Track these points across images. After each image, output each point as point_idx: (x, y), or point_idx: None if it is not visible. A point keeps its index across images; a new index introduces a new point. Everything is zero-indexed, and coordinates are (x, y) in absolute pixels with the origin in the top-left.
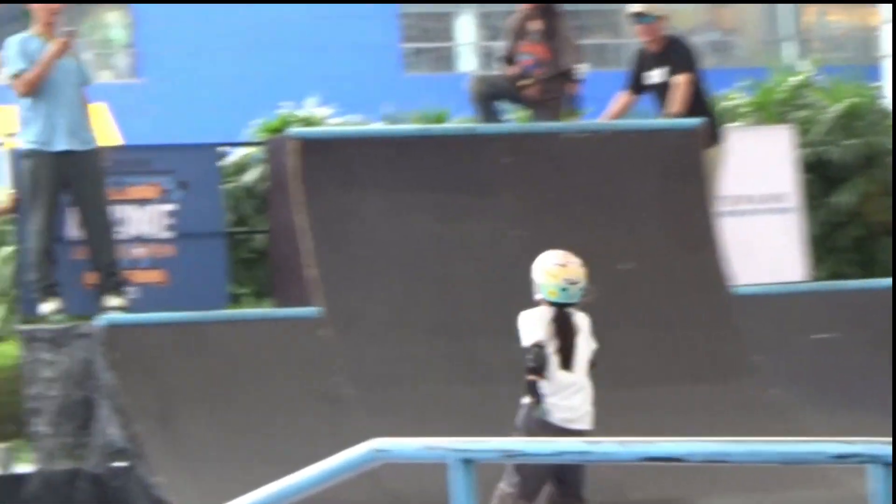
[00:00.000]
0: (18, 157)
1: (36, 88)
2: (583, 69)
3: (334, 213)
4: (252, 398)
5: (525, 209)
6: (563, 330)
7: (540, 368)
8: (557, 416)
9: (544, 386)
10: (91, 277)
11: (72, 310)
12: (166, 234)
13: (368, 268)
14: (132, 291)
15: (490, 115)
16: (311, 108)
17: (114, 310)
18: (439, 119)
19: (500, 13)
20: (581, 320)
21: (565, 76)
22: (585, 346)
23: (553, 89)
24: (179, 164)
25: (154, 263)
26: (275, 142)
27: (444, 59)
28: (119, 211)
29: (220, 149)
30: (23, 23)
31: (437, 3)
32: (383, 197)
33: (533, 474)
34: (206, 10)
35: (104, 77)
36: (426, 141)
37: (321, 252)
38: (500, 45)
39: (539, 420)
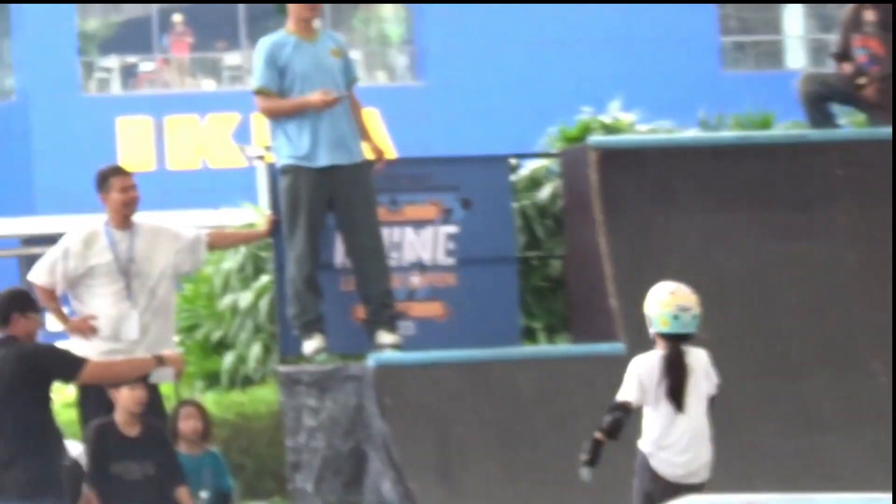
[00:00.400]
0: (275, 173)
1: (276, 117)
2: None
3: (641, 233)
4: (549, 448)
5: (862, 228)
6: (675, 368)
7: (611, 433)
8: (668, 472)
9: (654, 438)
10: (360, 311)
11: (338, 348)
12: (447, 261)
13: None
14: (408, 327)
15: (822, 119)
16: (615, 112)
17: (387, 348)
18: (763, 124)
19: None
20: (698, 357)
21: None
22: (703, 384)
23: (893, 89)
24: (463, 180)
25: (433, 294)
26: (573, 152)
27: (769, 54)
28: (393, 234)
29: (510, 161)
30: (278, 20)
31: None
32: (698, 215)
33: None
34: (494, 3)
35: (377, 79)
36: (748, 150)
37: (626, 279)
38: (833, 39)
39: (650, 472)
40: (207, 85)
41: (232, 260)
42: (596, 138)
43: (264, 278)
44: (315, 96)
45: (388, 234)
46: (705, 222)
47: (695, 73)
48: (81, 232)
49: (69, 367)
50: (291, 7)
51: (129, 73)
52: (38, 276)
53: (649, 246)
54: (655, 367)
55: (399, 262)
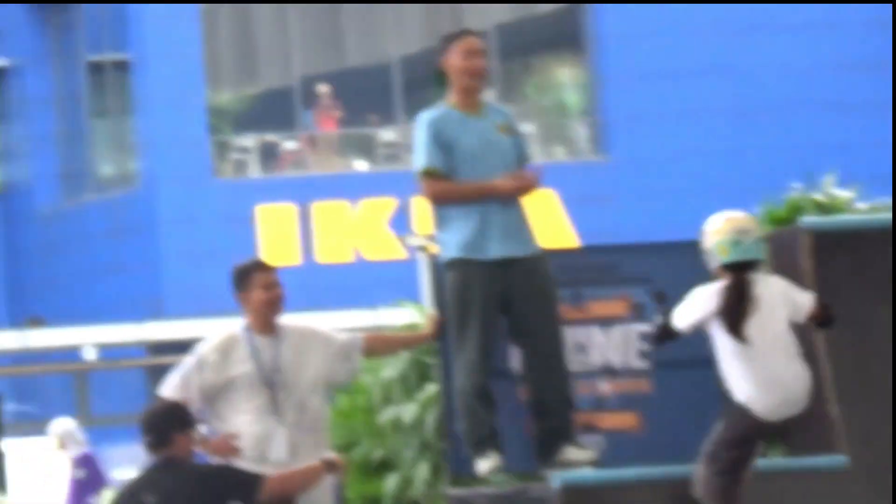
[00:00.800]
0: (440, 267)
1: (449, 204)
2: None
3: (863, 329)
4: None
5: None
6: (738, 299)
7: (661, 339)
8: (759, 408)
9: (741, 377)
10: (540, 423)
11: (516, 466)
12: (641, 364)
13: None
14: (597, 440)
15: None
16: (830, 188)
17: (574, 465)
18: None
19: None
20: (771, 284)
21: None
22: (781, 312)
23: None
24: (656, 270)
25: (625, 403)
26: (782, 236)
27: None
28: (577, 334)
29: None
30: (438, 89)
31: None
32: None
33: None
34: (688, 65)
35: (555, 154)
36: None
37: (846, 382)
38: None
39: (745, 416)
40: (359, 165)
41: (392, 367)
42: (808, 219)
43: (430, 388)
44: (506, 181)
45: (572, 335)
46: None
47: None
48: (218, 338)
49: (251, 487)
50: (454, 76)
51: (269, 154)
52: (169, 390)
53: (872, 343)
54: (715, 298)
55: (585, 367)
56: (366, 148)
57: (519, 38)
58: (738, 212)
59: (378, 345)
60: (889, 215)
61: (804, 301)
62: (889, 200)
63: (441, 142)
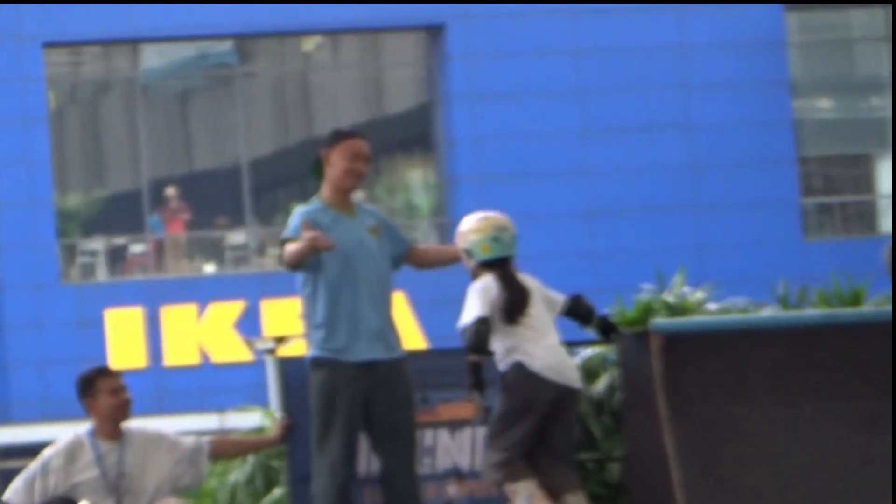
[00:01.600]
0: (300, 368)
1: (298, 265)
2: None
3: (713, 430)
4: None
5: None
6: (511, 285)
7: (480, 346)
8: (537, 365)
9: (517, 348)
10: None
11: None
12: None
13: (760, 502)
14: None
15: None
16: (680, 289)
17: None
18: (853, 300)
19: None
20: (525, 278)
21: None
22: (539, 303)
23: None
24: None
25: None
26: (633, 339)
27: (859, 217)
28: (425, 437)
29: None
30: (287, 192)
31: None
32: (779, 407)
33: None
34: (539, 167)
35: None
36: (835, 331)
37: (696, 483)
38: None
39: (523, 372)
40: (207, 268)
41: (239, 471)
42: (659, 321)
43: (277, 492)
44: (306, 241)
45: (420, 437)
46: (788, 416)
47: (772, 241)
48: (63, 443)
49: None
50: (334, 173)
51: (116, 257)
52: (13, 495)
53: (723, 444)
54: (493, 286)
55: (433, 470)
56: (214, 251)
57: (369, 139)
58: (491, 211)
59: (225, 448)
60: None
61: (556, 296)
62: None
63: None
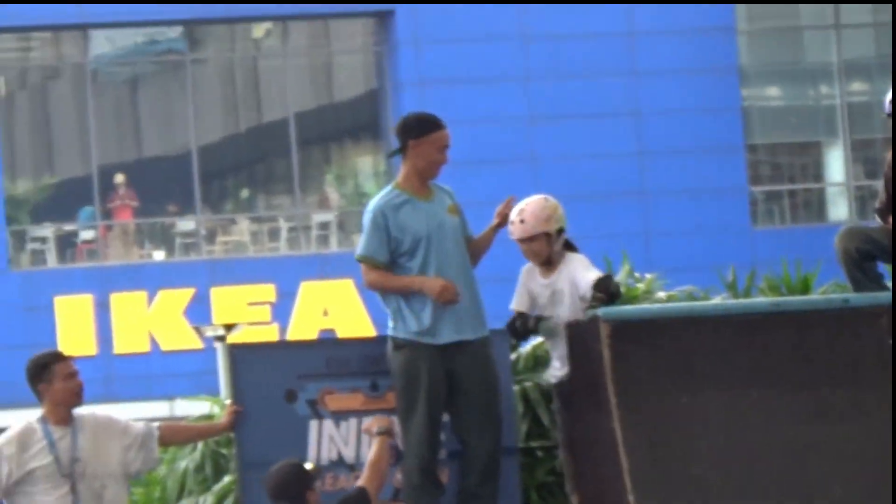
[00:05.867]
0: (252, 354)
1: (378, 291)
2: None
3: (661, 417)
4: None
5: None
6: None
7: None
8: None
9: None
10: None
11: None
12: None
13: (706, 490)
14: None
15: (867, 280)
16: (629, 276)
17: None
18: (801, 288)
19: (879, 142)
20: None
21: None
22: None
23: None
24: None
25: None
26: (580, 325)
27: (807, 205)
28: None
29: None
30: (236, 180)
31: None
32: (726, 394)
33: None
34: (491, 153)
35: (356, 243)
36: (782, 318)
37: (644, 470)
38: (877, 187)
39: None
40: (157, 255)
41: (188, 458)
42: (607, 309)
43: (226, 479)
44: (434, 286)
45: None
46: (734, 403)
47: (721, 228)
48: (14, 431)
49: None
50: (420, 162)
51: (66, 244)
52: None
53: (671, 432)
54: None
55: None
56: (163, 238)
57: (318, 127)
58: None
59: (174, 435)
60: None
61: None
62: (688, 288)
63: (387, 231)
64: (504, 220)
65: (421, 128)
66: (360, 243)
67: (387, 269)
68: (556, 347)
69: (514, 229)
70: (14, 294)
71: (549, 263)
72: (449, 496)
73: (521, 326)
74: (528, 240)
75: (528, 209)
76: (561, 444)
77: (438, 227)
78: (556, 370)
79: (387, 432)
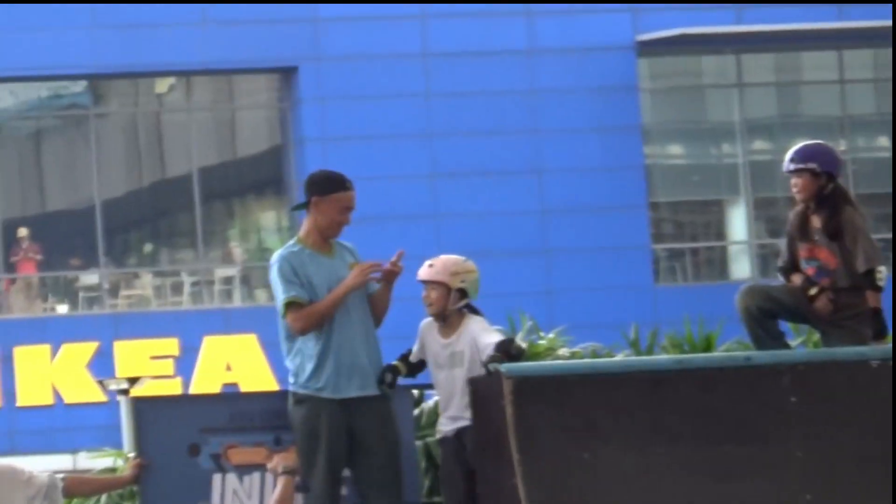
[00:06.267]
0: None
1: (318, 326)
2: (883, 274)
3: (563, 474)
4: None
5: (821, 465)
6: None
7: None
8: None
9: None
10: None
11: None
12: None
13: None
14: None
15: (769, 338)
16: (533, 332)
17: None
18: (705, 345)
19: (781, 201)
20: None
21: (862, 285)
22: None
23: (848, 304)
24: None
25: None
26: (484, 381)
27: (709, 262)
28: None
29: (412, 392)
30: (140, 234)
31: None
32: (629, 451)
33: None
34: (396, 210)
35: (258, 299)
36: (685, 375)
37: None
38: (779, 245)
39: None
40: (60, 309)
41: None
42: (510, 365)
43: None
44: (357, 276)
45: (273, 479)
46: (637, 460)
47: (624, 286)
48: None
49: None
50: (322, 221)
51: None
52: None
53: (573, 489)
54: None
55: None
56: (67, 291)
57: (221, 181)
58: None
59: (79, 487)
60: (589, 360)
61: None
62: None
63: (296, 276)
64: (391, 275)
65: (326, 186)
66: (278, 294)
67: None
68: (449, 406)
69: (421, 270)
70: None
71: (442, 319)
72: None
73: (392, 381)
74: (427, 283)
75: (442, 258)
76: (450, 501)
77: (338, 282)
78: (443, 425)
79: (291, 472)
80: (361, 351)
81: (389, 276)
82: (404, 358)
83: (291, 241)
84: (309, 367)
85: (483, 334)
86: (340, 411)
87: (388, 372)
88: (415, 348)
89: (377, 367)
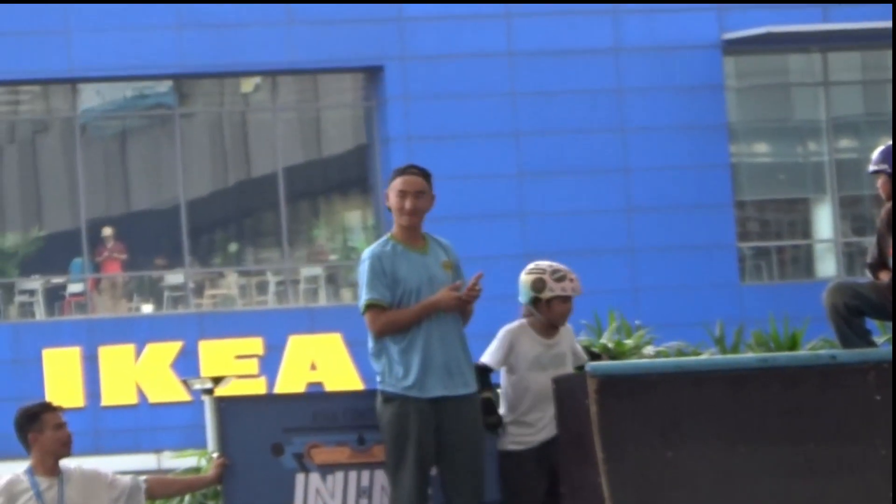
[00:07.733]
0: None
1: (395, 333)
2: None
3: (648, 472)
4: None
5: None
6: None
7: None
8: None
9: None
10: None
11: None
12: None
13: None
14: None
15: (855, 336)
16: (619, 331)
17: None
18: (790, 343)
19: (867, 199)
20: None
21: None
22: None
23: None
24: None
25: None
26: (568, 381)
27: (795, 261)
28: (361, 478)
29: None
30: (224, 234)
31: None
32: (713, 450)
33: None
34: (479, 208)
35: (343, 298)
36: (771, 374)
37: None
38: (868, 244)
39: None
40: (145, 308)
41: None
42: (594, 364)
43: None
44: (448, 298)
45: (357, 478)
46: (722, 459)
47: (709, 284)
48: (2, 482)
49: None
50: (392, 212)
51: (54, 297)
52: None
53: (657, 487)
54: None
55: None
56: (152, 291)
57: (307, 181)
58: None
59: (162, 487)
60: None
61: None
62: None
63: (384, 274)
64: (471, 298)
65: (391, 177)
66: (361, 293)
67: (390, 310)
68: (535, 409)
69: (576, 286)
70: (2, 347)
71: (554, 327)
72: None
73: (498, 420)
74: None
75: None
76: None
77: (429, 280)
78: (528, 436)
79: None
80: (449, 350)
81: (469, 299)
82: (483, 381)
83: (384, 238)
84: (396, 365)
85: (576, 344)
86: (429, 410)
87: (493, 416)
88: (498, 355)
89: (466, 367)
